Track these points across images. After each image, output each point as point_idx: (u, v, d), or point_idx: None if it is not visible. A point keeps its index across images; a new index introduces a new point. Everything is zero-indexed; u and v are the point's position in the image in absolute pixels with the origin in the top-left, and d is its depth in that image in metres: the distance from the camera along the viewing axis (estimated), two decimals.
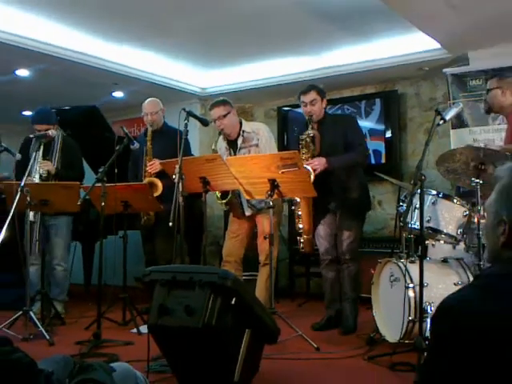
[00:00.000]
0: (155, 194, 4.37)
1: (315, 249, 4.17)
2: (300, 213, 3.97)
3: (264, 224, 4.11)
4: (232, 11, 4.57)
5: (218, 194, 4.21)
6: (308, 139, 3.89)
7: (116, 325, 4.15)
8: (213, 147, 4.38)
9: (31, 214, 4.01)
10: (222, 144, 4.37)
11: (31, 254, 4.22)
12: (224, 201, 4.22)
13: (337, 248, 4.04)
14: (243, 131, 4.31)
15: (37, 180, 4.27)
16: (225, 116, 4.21)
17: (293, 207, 4.01)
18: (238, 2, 4.39)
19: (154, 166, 4.53)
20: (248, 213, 4.31)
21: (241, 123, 4.35)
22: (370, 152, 5.99)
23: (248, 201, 4.20)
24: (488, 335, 1.09)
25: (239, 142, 4.30)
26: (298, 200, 3.94)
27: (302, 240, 4.00)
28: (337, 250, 4.04)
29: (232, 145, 4.34)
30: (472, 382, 1.09)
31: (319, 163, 3.77)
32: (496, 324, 1.10)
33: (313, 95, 3.98)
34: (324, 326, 4.01)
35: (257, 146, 4.27)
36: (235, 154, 4.26)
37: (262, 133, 4.32)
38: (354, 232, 3.99)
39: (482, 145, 4.53)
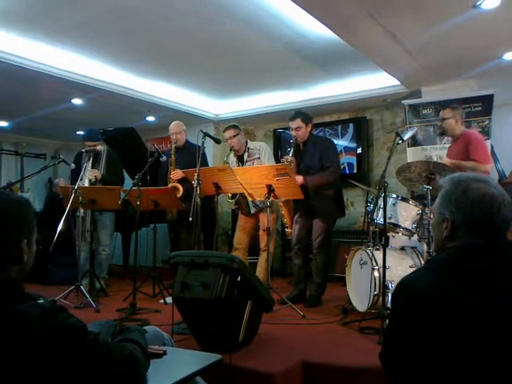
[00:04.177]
0: (178, 195, 4.37)
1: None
2: (283, 212, 4.04)
3: (264, 220, 4.06)
4: (238, 56, 4.56)
5: (229, 195, 4.20)
6: (286, 163, 3.81)
7: (147, 297, 4.13)
8: (225, 159, 4.39)
9: (81, 210, 3.98)
10: (232, 158, 4.37)
11: (82, 242, 4.22)
12: (233, 200, 4.23)
13: (308, 241, 3.95)
14: (248, 148, 4.31)
15: (87, 184, 4.26)
16: (234, 136, 4.22)
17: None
18: (243, 49, 4.37)
19: (176, 174, 4.54)
20: (253, 211, 4.31)
21: (246, 142, 4.36)
22: (345, 164, 6.01)
23: (253, 201, 4.19)
24: (431, 304, 1.10)
25: (245, 156, 4.31)
26: (281, 203, 3.95)
27: (287, 230, 4.11)
28: (307, 242, 3.95)
29: (240, 159, 4.34)
30: (420, 341, 1.10)
31: (297, 180, 3.69)
32: (437, 296, 1.11)
33: (297, 123, 3.84)
34: (291, 300, 3.72)
35: (258, 158, 4.28)
36: (243, 166, 4.26)
37: (263, 150, 4.32)
38: (324, 234, 3.85)
39: (435, 159, 4.55)
